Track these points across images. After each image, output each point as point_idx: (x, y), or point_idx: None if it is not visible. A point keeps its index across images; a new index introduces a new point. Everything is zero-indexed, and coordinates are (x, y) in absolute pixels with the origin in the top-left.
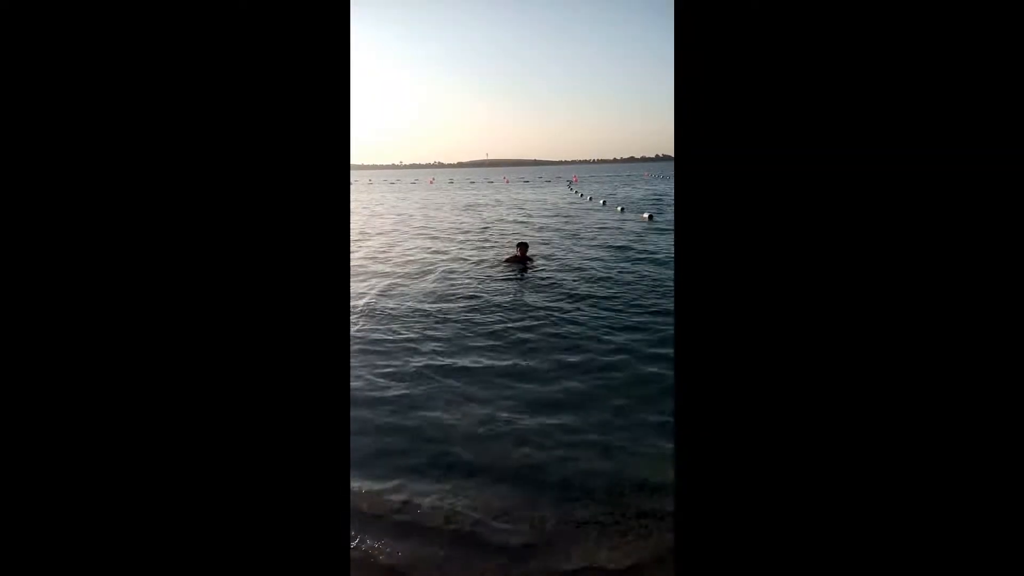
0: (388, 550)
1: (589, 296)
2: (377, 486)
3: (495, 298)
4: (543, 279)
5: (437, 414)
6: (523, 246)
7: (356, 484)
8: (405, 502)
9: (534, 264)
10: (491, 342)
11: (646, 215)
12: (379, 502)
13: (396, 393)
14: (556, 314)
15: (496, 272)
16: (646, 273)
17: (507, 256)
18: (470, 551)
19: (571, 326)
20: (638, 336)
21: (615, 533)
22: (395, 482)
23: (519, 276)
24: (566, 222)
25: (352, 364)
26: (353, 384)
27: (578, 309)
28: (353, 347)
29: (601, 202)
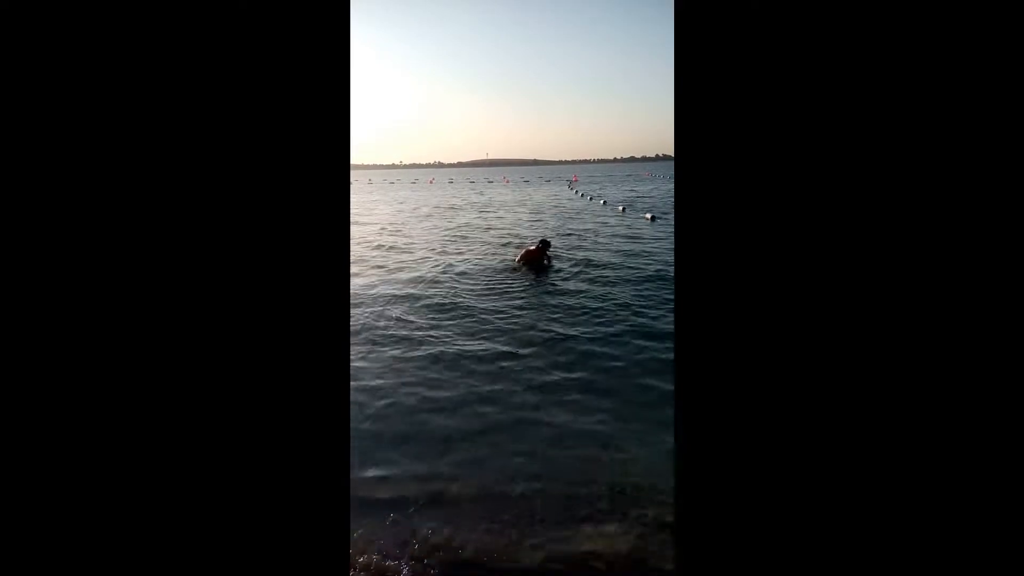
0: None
1: (597, 299)
2: (370, 473)
3: (515, 300)
4: (557, 283)
5: (436, 399)
6: (545, 244)
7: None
8: (401, 491)
9: (551, 265)
10: (497, 337)
11: (648, 215)
12: (371, 486)
13: (412, 379)
14: (567, 325)
15: (514, 272)
16: (654, 274)
17: (525, 252)
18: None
19: (580, 331)
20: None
21: (616, 531)
22: (391, 470)
23: (535, 277)
24: (567, 223)
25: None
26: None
27: (589, 318)
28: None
29: (602, 202)
